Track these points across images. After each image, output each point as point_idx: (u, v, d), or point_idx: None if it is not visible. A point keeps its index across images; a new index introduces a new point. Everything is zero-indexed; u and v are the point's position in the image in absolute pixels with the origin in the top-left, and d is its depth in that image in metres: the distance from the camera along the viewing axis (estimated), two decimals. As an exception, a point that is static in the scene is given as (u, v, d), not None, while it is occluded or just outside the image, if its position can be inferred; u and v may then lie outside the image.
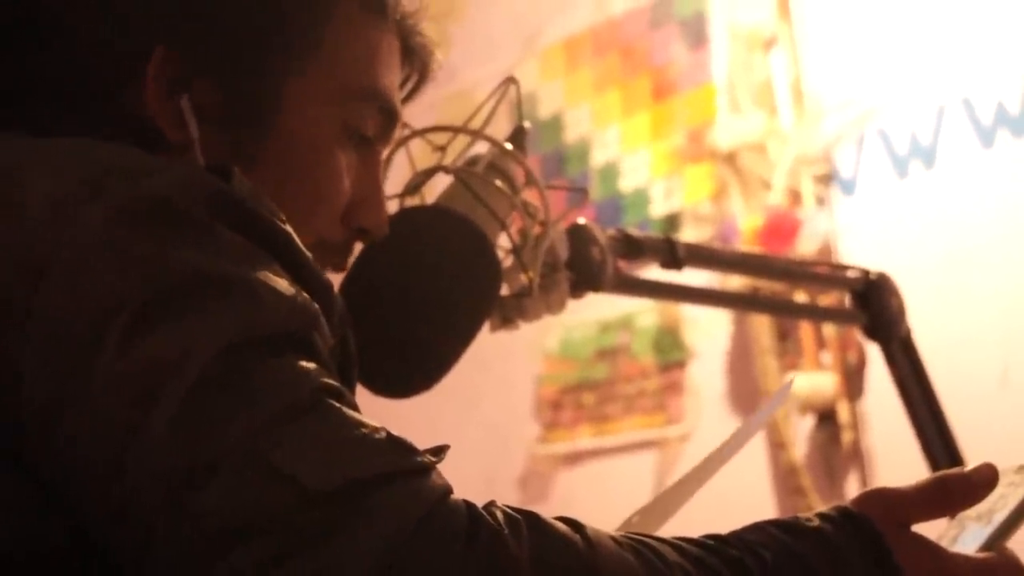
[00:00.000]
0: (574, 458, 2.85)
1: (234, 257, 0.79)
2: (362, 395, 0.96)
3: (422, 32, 1.06)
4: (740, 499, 2.49)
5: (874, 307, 1.51)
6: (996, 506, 0.96)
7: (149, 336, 0.74)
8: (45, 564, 0.77)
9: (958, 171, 2.30)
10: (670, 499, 1.03)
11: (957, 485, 0.94)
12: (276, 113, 0.96)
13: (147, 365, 0.74)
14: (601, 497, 2.73)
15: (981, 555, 0.92)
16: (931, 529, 0.94)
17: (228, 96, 0.95)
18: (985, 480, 0.94)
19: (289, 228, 0.84)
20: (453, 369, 1.13)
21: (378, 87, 1.01)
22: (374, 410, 0.79)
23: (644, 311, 2.74)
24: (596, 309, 2.76)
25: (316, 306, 0.80)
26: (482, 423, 2.98)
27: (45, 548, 0.77)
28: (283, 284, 0.79)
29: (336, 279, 0.94)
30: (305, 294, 0.80)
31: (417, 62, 1.08)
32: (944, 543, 0.94)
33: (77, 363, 0.75)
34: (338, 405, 0.76)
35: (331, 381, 0.77)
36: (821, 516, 0.90)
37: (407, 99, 1.09)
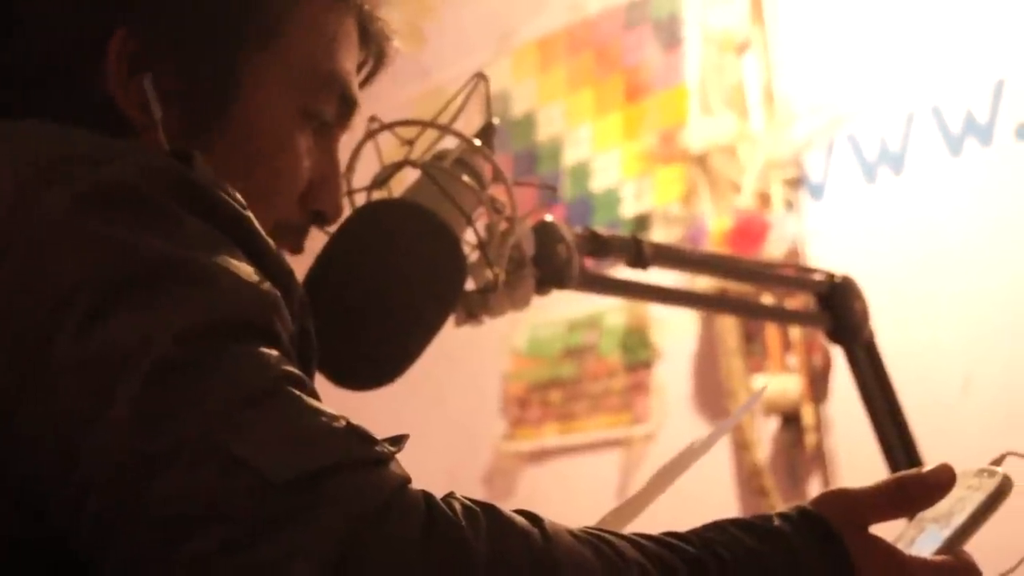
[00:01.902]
0: (540, 456, 2.85)
1: (196, 243, 0.78)
2: (328, 389, 0.95)
3: (380, 17, 1.07)
4: (704, 499, 2.49)
5: (838, 310, 1.51)
6: (955, 509, 0.97)
7: (108, 321, 0.74)
8: (12, 557, 0.77)
9: (926, 178, 2.31)
10: (636, 502, 1.03)
11: (914, 486, 0.94)
12: (236, 96, 0.96)
13: (106, 351, 0.73)
14: (566, 495, 2.73)
15: (938, 558, 0.93)
16: (890, 530, 0.94)
17: (189, 78, 0.95)
18: (942, 481, 0.94)
19: (250, 214, 0.84)
20: (421, 365, 1.12)
21: (338, 73, 1.02)
22: (340, 404, 0.79)
23: (612, 311, 2.75)
24: (564, 308, 2.76)
25: (277, 293, 0.80)
26: (449, 419, 2.98)
27: (11, 541, 0.77)
28: (245, 271, 0.79)
29: (296, 264, 0.94)
30: (267, 281, 0.80)
31: (374, 47, 1.08)
32: (902, 544, 0.94)
33: (35, 349, 0.75)
34: (298, 393, 0.75)
35: (292, 369, 0.77)
36: (780, 516, 0.91)
37: (364, 83, 1.09)
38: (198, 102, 0.95)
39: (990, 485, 0.96)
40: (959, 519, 0.95)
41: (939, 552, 0.93)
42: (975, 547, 0.95)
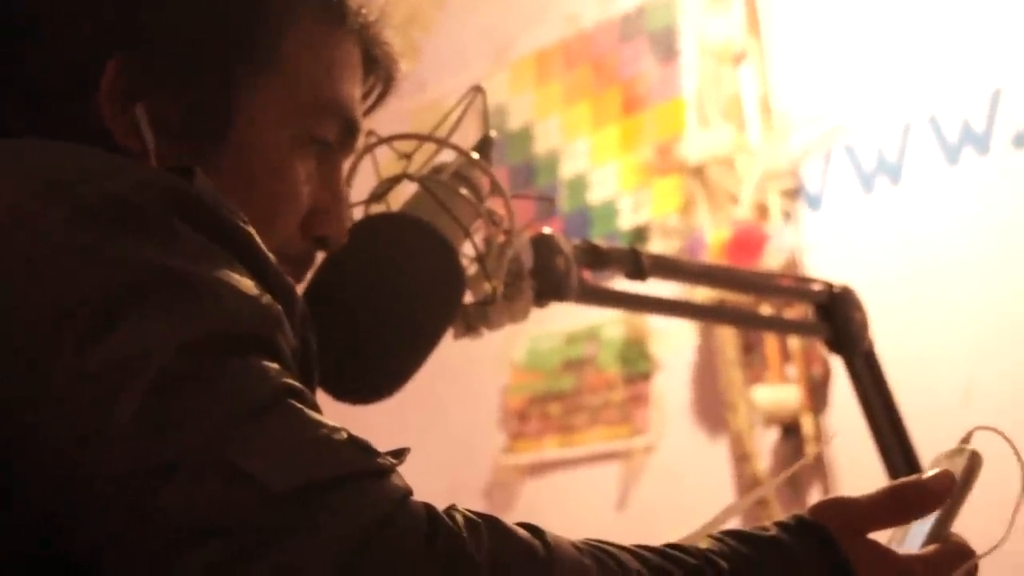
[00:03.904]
0: (539, 468, 2.86)
1: (196, 257, 0.79)
2: (329, 403, 0.96)
3: (385, 41, 1.06)
4: (704, 510, 2.49)
5: (837, 320, 1.51)
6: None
7: (109, 335, 0.74)
8: (4, 564, 0.77)
9: (923, 187, 2.32)
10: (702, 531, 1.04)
11: (912, 493, 0.95)
12: (231, 126, 0.95)
13: (107, 365, 0.73)
14: (566, 507, 2.74)
15: (930, 548, 0.94)
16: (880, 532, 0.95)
17: (182, 109, 0.94)
18: (940, 488, 0.95)
19: (251, 229, 0.84)
20: (420, 378, 1.13)
21: (337, 98, 1.01)
22: (340, 418, 0.79)
23: (611, 323, 2.75)
24: (563, 320, 2.77)
25: (279, 307, 0.80)
26: (448, 433, 2.98)
27: (4, 548, 0.77)
28: (246, 284, 0.79)
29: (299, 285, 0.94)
30: (268, 295, 0.80)
31: (381, 71, 1.07)
32: (893, 543, 0.95)
33: (37, 365, 0.75)
34: (299, 405, 0.76)
35: (293, 382, 0.77)
36: (778, 525, 0.92)
37: (372, 108, 1.08)
38: (193, 132, 0.94)
39: (961, 464, 0.98)
40: None
41: (929, 541, 0.94)
42: (961, 527, 0.96)
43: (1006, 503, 0.96)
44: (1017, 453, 0.98)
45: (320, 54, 1.00)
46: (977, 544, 0.96)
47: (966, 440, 1.01)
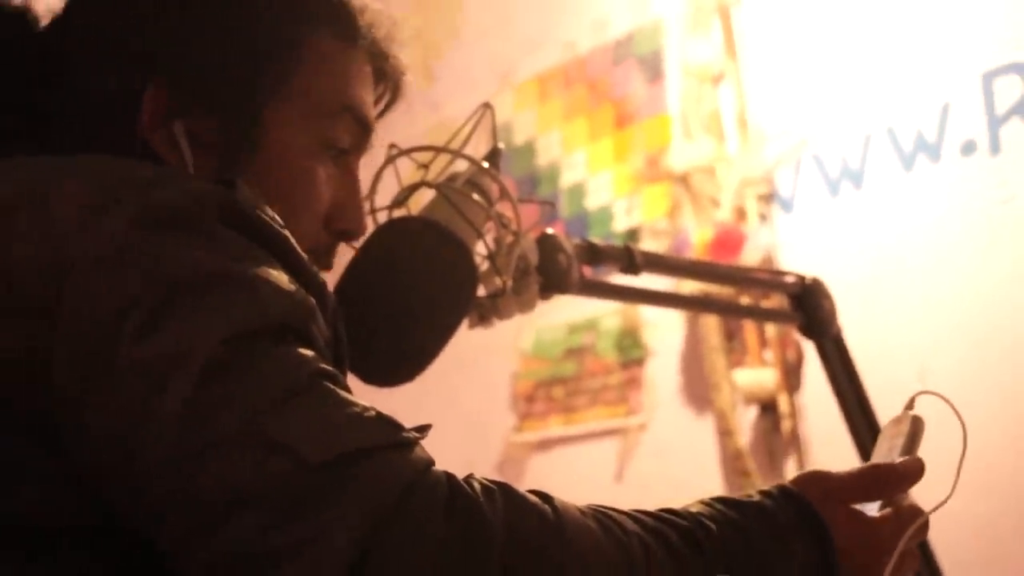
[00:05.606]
0: (545, 445, 2.85)
1: (238, 257, 0.79)
2: (358, 388, 0.95)
3: (393, 55, 1.06)
4: (693, 480, 2.49)
5: (809, 308, 1.51)
6: (888, 460, 0.98)
7: (162, 328, 0.74)
8: (72, 534, 0.77)
9: (883, 192, 2.31)
10: None
11: (887, 475, 0.95)
12: (259, 136, 0.96)
13: (160, 354, 0.73)
14: (569, 478, 2.73)
15: (888, 512, 0.95)
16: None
17: (216, 125, 0.94)
18: (911, 472, 0.96)
19: (287, 232, 0.84)
20: (441, 367, 1.12)
21: (351, 103, 1.01)
22: (368, 402, 0.79)
23: (608, 314, 2.74)
24: (565, 312, 2.76)
25: (313, 301, 0.80)
26: (465, 415, 2.98)
27: (73, 521, 0.77)
28: (284, 280, 0.79)
29: (329, 279, 0.94)
30: (302, 290, 0.80)
31: (390, 81, 1.08)
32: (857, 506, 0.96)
33: (99, 353, 0.75)
34: (333, 387, 0.76)
35: (326, 367, 0.77)
36: (762, 493, 0.92)
37: (382, 114, 1.08)
38: (226, 144, 0.95)
39: (905, 429, 0.98)
40: None
41: (885, 504, 0.95)
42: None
43: (951, 463, 0.96)
44: (958, 414, 0.99)
45: (335, 67, 1.00)
46: (927, 502, 0.96)
47: (909, 406, 1.01)
